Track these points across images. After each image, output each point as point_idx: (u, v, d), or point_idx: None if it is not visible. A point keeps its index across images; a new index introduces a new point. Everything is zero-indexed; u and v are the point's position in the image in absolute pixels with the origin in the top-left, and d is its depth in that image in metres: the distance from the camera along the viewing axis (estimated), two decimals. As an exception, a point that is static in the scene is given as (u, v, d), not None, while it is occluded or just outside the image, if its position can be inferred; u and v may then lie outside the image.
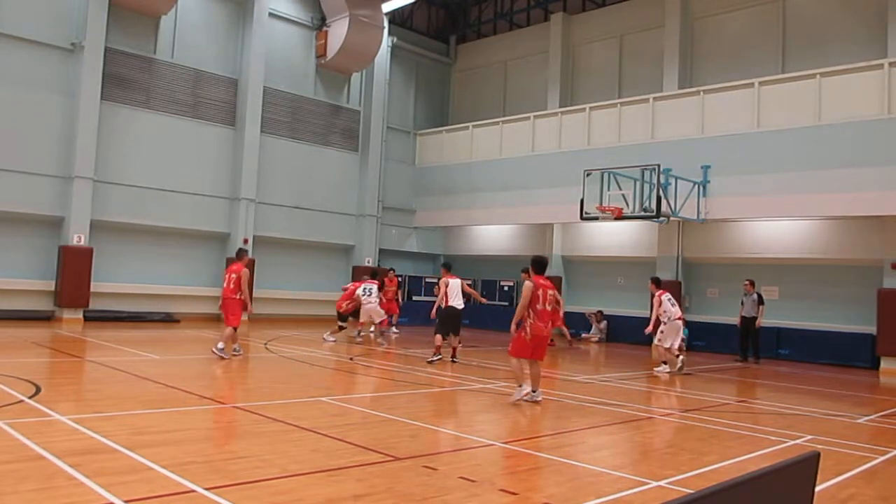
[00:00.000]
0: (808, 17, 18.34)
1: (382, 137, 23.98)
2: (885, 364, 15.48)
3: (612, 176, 16.90)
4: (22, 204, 16.97)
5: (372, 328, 17.08)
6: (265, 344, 14.49)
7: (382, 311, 16.39)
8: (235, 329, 11.90)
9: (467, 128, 23.51)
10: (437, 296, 13.80)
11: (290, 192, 21.92)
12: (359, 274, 22.30)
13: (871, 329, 15.98)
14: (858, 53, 16.70)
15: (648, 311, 14.32)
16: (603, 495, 4.95)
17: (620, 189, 16.79)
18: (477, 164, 22.69)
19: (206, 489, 4.50)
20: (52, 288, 17.42)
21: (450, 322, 13.24)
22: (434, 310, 13.83)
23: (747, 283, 16.58)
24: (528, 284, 8.61)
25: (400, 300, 20.29)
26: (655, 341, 13.51)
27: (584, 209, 17.10)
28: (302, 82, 22.43)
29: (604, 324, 20.77)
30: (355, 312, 16.31)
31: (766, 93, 16.56)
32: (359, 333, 16.80)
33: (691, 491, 2.94)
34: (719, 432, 7.59)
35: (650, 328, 13.42)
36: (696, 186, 16.88)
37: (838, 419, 9.00)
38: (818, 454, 2.70)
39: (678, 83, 19.76)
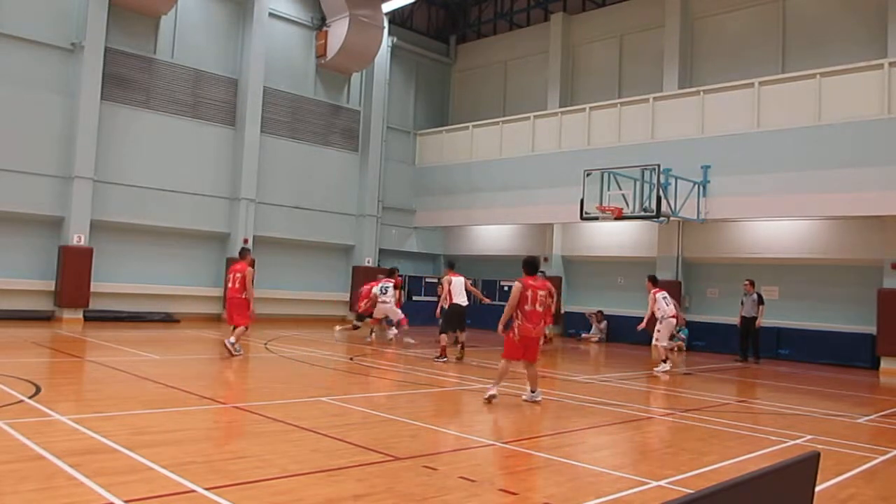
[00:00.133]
0: (808, 17, 18.34)
1: (382, 137, 23.97)
2: (885, 364, 15.49)
3: (612, 176, 16.90)
4: (22, 204, 16.97)
5: (395, 331, 16.38)
6: (265, 344, 14.48)
7: (399, 311, 16.09)
8: (246, 328, 11.91)
9: (467, 128, 23.50)
10: (440, 295, 13.73)
11: (290, 192, 21.90)
12: (359, 274, 22.38)
13: (871, 329, 15.99)
14: (858, 53, 16.69)
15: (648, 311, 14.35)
16: (603, 495, 4.95)
17: (620, 189, 16.80)
18: (477, 164, 22.68)
19: (206, 489, 4.50)
20: (52, 288, 17.42)
21: (454, 319, 13.23)
22: (438, 309, 13.78)
23: (747, 283, 16.58)
24: (516, 285, 8.62)
25: (401, 300, 20.20)
26: (654, 341, 13.54)
27: (584, 209, 17.10)
28: (302, 82, 22.42)
29: (604, 324, 20.77)
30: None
31: (766, 93, 16.55)
32: (371, 333, 16.53)
33: (691, 491, 2.94)
34: (719, 432, 7.59)
35: (643, 325, 13.53)
36: (696, 186, 16.88)
37: (838, 419, 9.00)
38: (818, 454, 2.70)
39: (678, 83, 19.76)
